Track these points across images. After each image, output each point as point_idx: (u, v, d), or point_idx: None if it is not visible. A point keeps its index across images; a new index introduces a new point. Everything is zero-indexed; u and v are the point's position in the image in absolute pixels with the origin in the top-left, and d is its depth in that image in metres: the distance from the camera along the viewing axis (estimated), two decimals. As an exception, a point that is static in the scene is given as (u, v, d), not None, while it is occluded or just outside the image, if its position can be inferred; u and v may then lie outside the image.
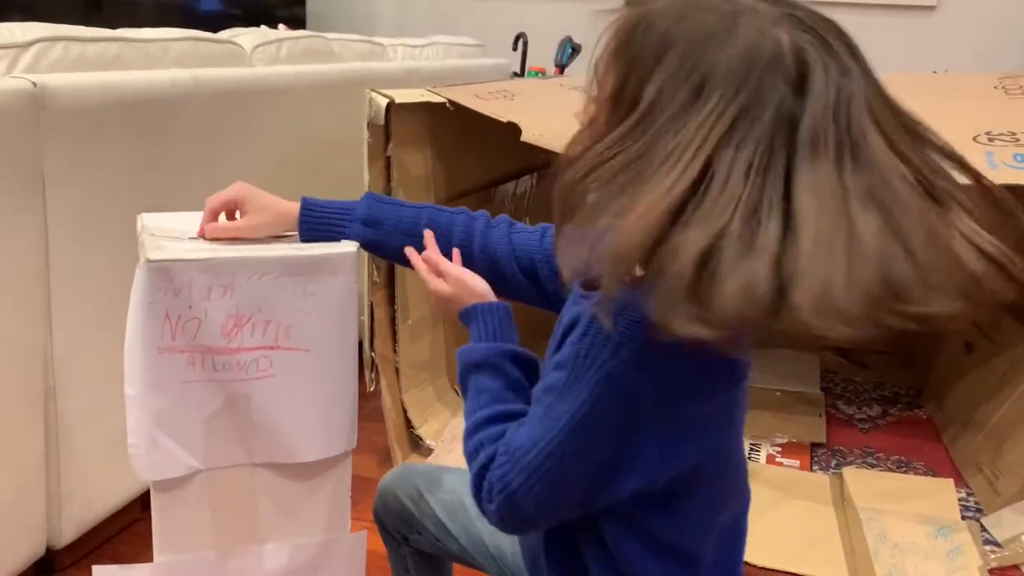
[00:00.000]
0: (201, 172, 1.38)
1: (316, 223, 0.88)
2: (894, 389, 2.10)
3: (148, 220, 0.91)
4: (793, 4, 0.60)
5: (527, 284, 0.88)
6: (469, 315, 0.80)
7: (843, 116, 0.55)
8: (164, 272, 0.79)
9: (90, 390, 1.23)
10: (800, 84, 0.56)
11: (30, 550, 1.21)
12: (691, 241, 0.53)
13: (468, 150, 1.79)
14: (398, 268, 1.63)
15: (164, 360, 0.82)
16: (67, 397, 1.20)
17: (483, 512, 0.69)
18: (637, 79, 0.59)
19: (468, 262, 0.88)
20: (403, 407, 1.69)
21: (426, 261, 0.85)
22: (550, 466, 0.64)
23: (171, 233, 0.89)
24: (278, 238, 0.90)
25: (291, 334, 0.86)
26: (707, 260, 0.53)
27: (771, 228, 0.53)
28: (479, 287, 0.82)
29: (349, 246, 0.88)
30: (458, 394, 1.88)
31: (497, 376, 0.75)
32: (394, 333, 1.66)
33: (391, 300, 1.64)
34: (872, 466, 1.71)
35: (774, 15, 0.58)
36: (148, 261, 0.79)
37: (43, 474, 1.20)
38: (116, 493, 1.33)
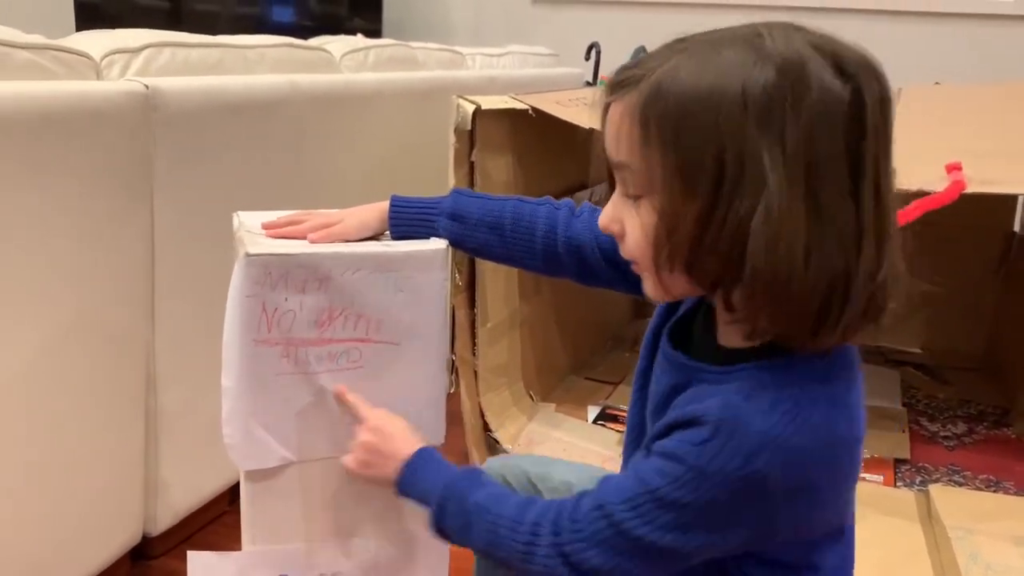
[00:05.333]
0: (295, 173, 1.42)
1: (405, 220, 0.90)
2: (979, 407, 2.02)
3: (244, 217, 0.95)
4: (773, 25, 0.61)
5: (610, 270, 0.88)
6: (411, 469, 0.79)
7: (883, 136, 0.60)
8: (263, 266, 0.82)
9: (189, 383, 1.28)
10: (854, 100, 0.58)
11: (127, 536, 1.26)
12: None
13: (548, 156, 1.80)
14: (479, 271, 1.66)
15: (260, 352, 0.85)
16: (167, 390, 1.25)
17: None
18: (714, 147, 0.58)
19: (553, 252, 0.89)
20: (480, 410, 1.70)
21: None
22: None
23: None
24: (373, 238, 0.92)
25: (381, 328, 0.88)
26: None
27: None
28: (400, 438, 0.82)
29: (439, 243, 0.89)
30: (533, 399, 1.89)
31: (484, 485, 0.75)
32: (473, 336, 1.68)
33: (472, 303, 1.66)
34: (959, 484, 1.66)
35: (788, 35, 0.59)
36: (248, 255, 0.82)
37: (142, 463, 1.25)
38: (208, 484, 1.37)
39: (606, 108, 0.64)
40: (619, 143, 0.63)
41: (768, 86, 0.56)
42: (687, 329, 0.73)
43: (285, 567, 0.92)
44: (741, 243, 0.57)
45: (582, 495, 0.68)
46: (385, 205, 0.90)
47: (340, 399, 0.88)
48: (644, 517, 0.63)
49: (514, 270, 1.80)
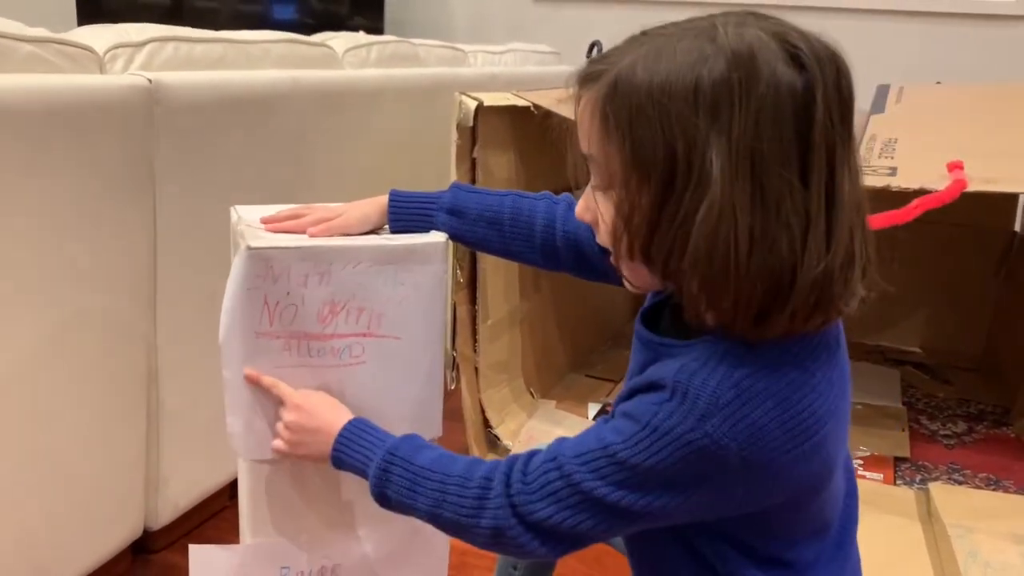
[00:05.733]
0: (298, 169, 1.43)
1: (404, 213, 0.91)
2: (979, 406, 2.03)
3: (243, 211, 0.94)
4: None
5: (607, 263, 0.88)
6: (341, 441, 0.78)
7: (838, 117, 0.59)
8: (264, 259, 0.82)
9: (189, 378, 1.28)
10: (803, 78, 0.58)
11: (128, 530, 1.26)
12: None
13: (549, 154, 1.80)
14: (480, 268, 1.66)
15: (261, 345, 0.85)
16: (168, 384, 1.25)
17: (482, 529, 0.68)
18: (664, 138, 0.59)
19: (552, 246, 0.89)
20: (481, 406, 1.70)
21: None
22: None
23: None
24: (373, 232, 0.92)
25: (383, 322, 0.88)
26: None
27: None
28: (327, 409, 0.82)
29: (439, 236, 0.89)
30: (533, 396, 1.89)
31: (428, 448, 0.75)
32: (474, 333, 1.68)
33: (472, 300, 1.66)
34: (959, 483, 1.66)
35: (737, 20, 0.60)
36: (249, 248, 0.82)
37: (143, 458, 1.25)
38: (208, 480, 1.37)
39: (577, 100, 0.66)
40: (584, 136, 0.64)
41: (717, 79, 0.57)
42: (660, 311, 0.74)
43: (285, 560, 0.92)
44: (686, 236, 0.59)
45: (534, 451, 0.68)
46: (385, 199, 0.91)
47: (255, 383, 0.85)
48: (597, 473, 0.63)
49: (514, 267, 1.80)
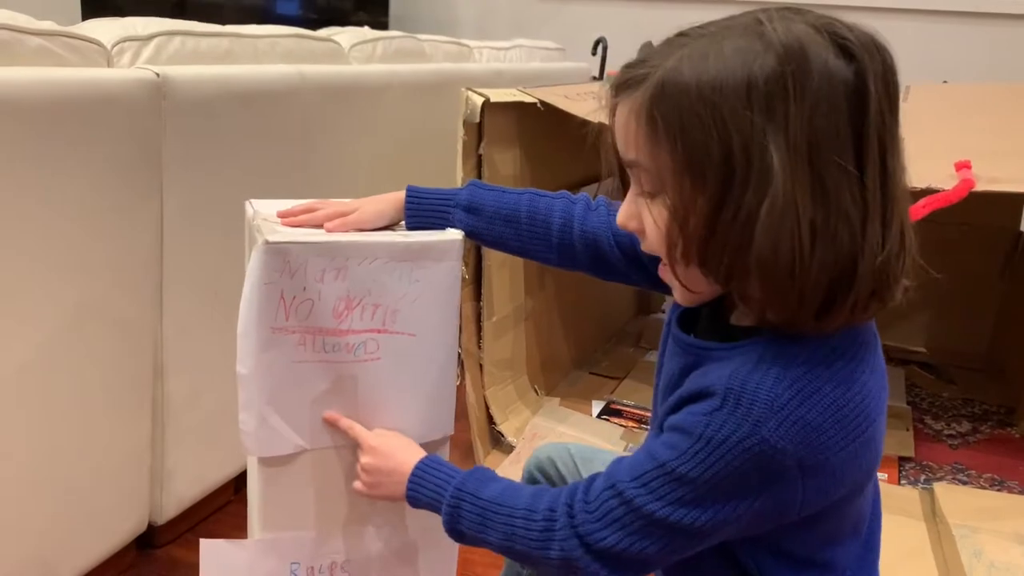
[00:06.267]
0: (304, 163, 1.42)
1: (421, 210, 0.90)
2: (984, 406, 2.03)
3: (259, 205, 0.94)
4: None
5: (626, 263, 0.88)
6: (415, 480, 0.79)
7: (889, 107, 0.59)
8: (282, 254, 0.82)
9: (195, 372, 1.28)
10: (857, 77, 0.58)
11: (133, 524, 1.26)
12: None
13: (555, 150, 1.80)
14: (485, 265, 1.65)
15: (277, 340, 0.85)
16: (173, 378, 1.24)
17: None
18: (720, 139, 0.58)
19: (569, 246, 0.89)
20: (486, 403, 1.70)
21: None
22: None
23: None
24: (388, 228, 0.91)
25: (398, 318, 0.88)
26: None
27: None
28: (401, 450, 0.83)
29: (455, 233, 0.89)
30: (538, 393, 1.89)
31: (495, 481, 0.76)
32: (479, 329, 1.67)
33: (477, 296, 1.65)
34: (963, 483, 1.66)
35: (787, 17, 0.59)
36: (267, 243, 0.81)
37: (148, 452, 1.24)
38: (213, 474, 1.37)
39: (613, 108, 0.65)
40: (628, 142, 0.63)
41: (770, 74, 0.56)
42: (696, 313, 0.73)
43: (296, 555, 0.92)
44: (750, 234, 0.58)
45: (594, 476, 0.68)
46: (401, 195, 0.90)
47: (334, 424, 0.89)
48: (655, 493, 0.63)
49: (519, 265, 1.80)
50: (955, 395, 2.08)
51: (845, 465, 0.62)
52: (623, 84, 0.63)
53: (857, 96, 0.57)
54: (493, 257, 1.67)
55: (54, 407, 1.08)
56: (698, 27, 0.62)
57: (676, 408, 0.64)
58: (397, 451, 0.83)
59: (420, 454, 0.82)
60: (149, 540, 1.32)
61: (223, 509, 1.43)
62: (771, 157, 0.56)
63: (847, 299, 0.59)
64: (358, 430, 0.87)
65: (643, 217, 0.65)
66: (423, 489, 0.78)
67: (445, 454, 0.96)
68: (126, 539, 1.25)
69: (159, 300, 1.20)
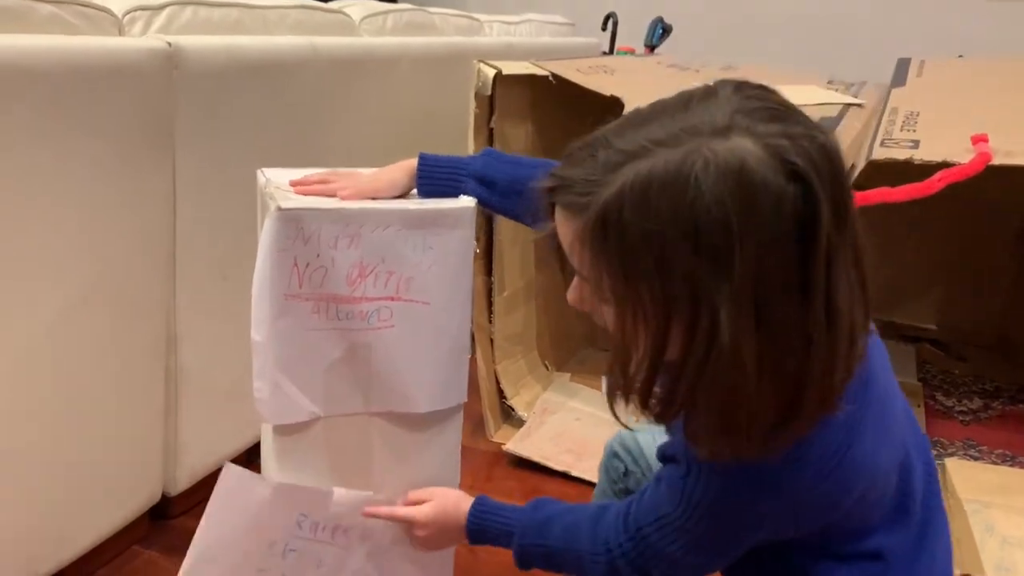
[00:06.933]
0: (315, 134, 1.41)
1: (433, 178, 0.90)
2: (995, 383, 2.02)
3: (271, 174, 0.94)
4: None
5: None
6: (474, 531, 0.86)
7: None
8: (295, 220, 0.82)
9: (208, 343, 1.28)
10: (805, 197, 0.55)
11: (147, 496, 1.26)
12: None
13: (567, 125, 1.79)
14: (496, 240, 1.65)
15: (290, 307, 0.85)
16: (186, 349, 1.25)
17: None
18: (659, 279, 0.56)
19: None
20: (496, 378, 1.70)
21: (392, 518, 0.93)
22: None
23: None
24: (402, 197, 0.91)
25: (411, 286, 0.88)
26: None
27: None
28: (449, 507, 0.89)
29: (468, 201, 0.89)
30: (548, 368, 1.89)
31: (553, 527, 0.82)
32: (490, 304, 1.67)
33: (488, 271, 1.65)
34: (975, 459, 1.66)
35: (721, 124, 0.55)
36: (280, 209, 0.81)
37: (162, 423, 1.25)
38: (226, 446, 1.37)
39: (551, 208, 0.62)
40: (573, 258, 0.61)
41: (714, 220, 0.53)
42: None
43: (307, 509, 0.92)
44: (694, 375, 0.57)
45: (630, 505, 0.75)
46: (414, 163, 0.90)
47: (372, 516, 0.93)
48: (668, 538, 0.70)
49: (531, 241, 1.79)
50: (966, 372, 2.08)
51: (824, 497, 0.65)
52: (566, 203, 0.60)
53: (805, 225, 0.54)
54: (504, 232, 1.67)
55: (67, 378, 1.08)
56: (637, 126, 0.58)
57: (664, 460, 0.72)
58: (445, 513, 0.89)
59: (463, 506, 0.87)
60: (163, 511, 1.32)
61: (235, 481, 1.43)
62: (717, 305, 0.54)
63: (792, 425, 0.59)
64: (399, 511, 0.92)
65: (593, 307, 0.64)
66: (484, 538, 0.86)
67: (459, 422, 0.96)
68: (140, 510, 1.26)
69: (172, 272, 1.20)
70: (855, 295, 0.58)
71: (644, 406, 0.61)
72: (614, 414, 0.64)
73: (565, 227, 0.61)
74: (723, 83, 0.59)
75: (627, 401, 0.61)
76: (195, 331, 1.25)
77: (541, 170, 0.88)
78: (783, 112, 0.57)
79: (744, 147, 0.54)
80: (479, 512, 0.86)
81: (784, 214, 0.54)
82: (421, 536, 0.91)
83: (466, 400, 0.95)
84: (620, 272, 0.57)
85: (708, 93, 0.58)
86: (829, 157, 0.56)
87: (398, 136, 1.65)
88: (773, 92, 0.58)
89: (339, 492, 0.93)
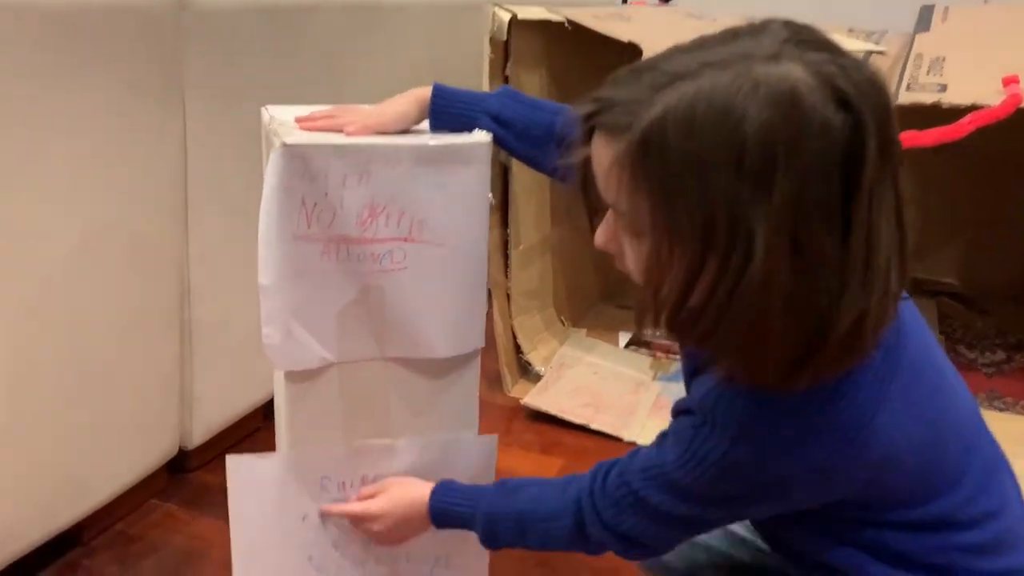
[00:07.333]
0: (326, 80, 1.39)
1: (446, 112, 0.87)
2: (1018, 336, 1.99)
3: (275, 111, 0.91)
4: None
5: None
6: (437, 513, 0.84)
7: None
8: (301, 157, 0.79)
9: (222, 296, 1.26)
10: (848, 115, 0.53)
11: (164, 449, 1.26)
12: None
13: (582, 73, 1.75)
14: (511, 193, 1.62)
15: (299, 249, 0.82)
16: (200, 302, 1.23)
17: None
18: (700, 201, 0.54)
19: None
20: (513, 333, 1.68)
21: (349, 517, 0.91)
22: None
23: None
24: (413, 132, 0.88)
25: (424, 227, 0.85)
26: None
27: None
28: (405, 496, 0.87)
29: (483, 136, 0.86)
30: (564, 323, 1.87)
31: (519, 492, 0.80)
32: (506, 259, 1.65)
33: (504, 224, 1.63)
34: (1000, 410, 1.63)
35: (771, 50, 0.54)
36: (285, 145, 0.78)
37: (178, 375, 1.24)
38: (242, 400, 1.37)
39: (587, 135, 0.60)
40: (609, 187, 0.59)
41: (761, 144, 0.52)
42: None
43: (325, 470, 0.91)
44: (724, 306, 0.55)
45: (612, 464, 0.73)
46: (426, 93, 0.86)
47: (327, 515, 0.92)
48: (657, 488, 0.68)
49: (547, 194, 1.77)
50: (989, 325, 2.04)
51: (830, 469, 0.62)
52: (604, 125, 0.58)
53: (852, 156, 0.53)
54: (520, 185, 1.64)
55: (81, 328, 1.07)
56: (683, 52, 0.57)
57: (677, 415, 0.69)
58: (399, 504, 0.87)
59: (424, 490, 0.85)
60: (180, 465, 1.32)
61: (253, 436, 1.43)
62: (755, 233, 0.53)
63: (813, 365, 0.57)
64: (350, 507, 0.90)
65: (623, 246, 0.62)
66: (448, 520, 0.84)
67: (476, 369, 0.94)
68: (157, 463, 1.26)
69: (184, 221, 1.18)
70: (894, 241, 0.56)
71: (671, 327, 0.59)
72: (641, 335, 0.64)
73: (604, 152, 0.58)
74: (770, 19, 0.57)
75: (656, 323, 0.59)
76: (208, 282, 1.24)
77: (560, 116, 0.86)
78: (832, 45, 0.56)
79: (794, 73, 0.52)
80: (443, 493, 0.84)
81: (831, 143, 0.52)
82: (377, 530, 0.88)
83: (483, 345, 0.93)
84: (660, 195, 0.55)
85: (756, 27, 0.57)
86: (878, 90, 0.54)
87: (410, 82, 1.60)
88: (819, 30, 0.57)
89: (356, 444, 0.91)
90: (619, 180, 0.57)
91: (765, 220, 0.52)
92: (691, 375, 0.72)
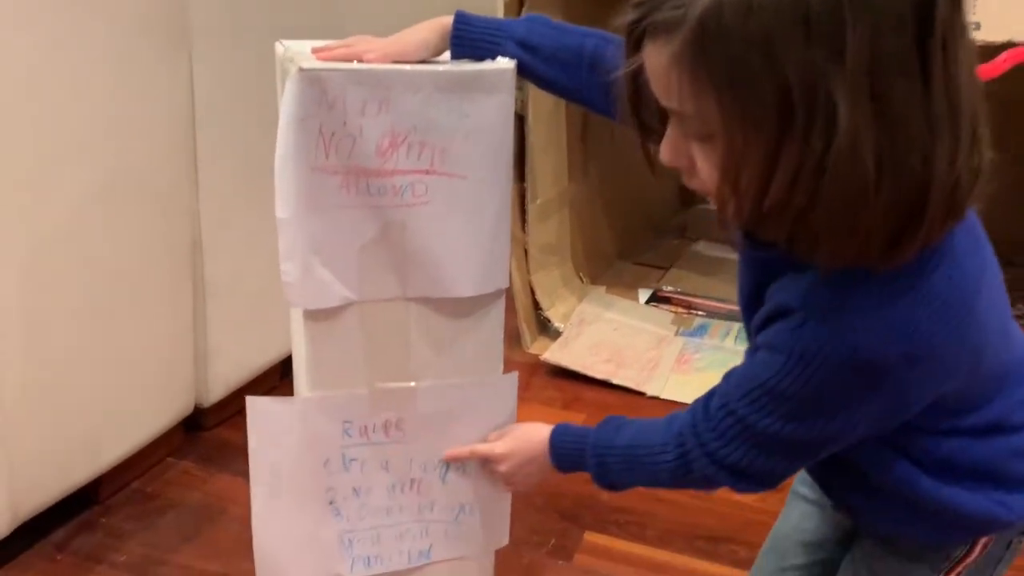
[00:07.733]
0: (341, 19, 1.35)
1: (469, 40, 0.83)
2: (1047, 288, 1.95)
3: (291, 44, 0.87)
4: None
5: None
6: (556, 453, 0.81)
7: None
8: (318, 82, 0.76)
9: (234, 251, 1.24)
10: None
11: (180, 406, 1.24)
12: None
13: (600, 19, 1.71)
14: (528, 146, 1.58)
15: (317, 180, 0.79)
16: (213, 257, 1.21)
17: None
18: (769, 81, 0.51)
19: None
20: (531, 289, 1.65)
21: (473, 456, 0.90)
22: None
23: None
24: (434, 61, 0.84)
25: (447, 158, 0.82)
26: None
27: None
28: (529, 435, 0.85)
29: (507, 63, 0.82)
30: (583, 280, 1.84)
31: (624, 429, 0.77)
32: (523, 213, 1.62)
33: (521, 177, 1.59)
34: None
35: None
36: (301, 70, 0.75)
37: (191, 331, 1.22)
38: (259, 357, 1.35)
39: (638, 42, 0.56)
40: (669, 92, 0.56)
41: (824, 3, 0.49)
42: None
43: (347, 413, 0.88)
44: (812, 185, 0.52)
45: (711, 394, 0.69)
46: (447, 22, 0.83)
47: (455, 459, 0.91)
48: (764, 410, 0.63)
49: (563, 149, 1.73)
50: (1016, 277, 1.99)
51: (947, 350, 0.59)
52: (654, 25, 0.54)
53: (920, 4, 0.50)
54: (537, 138, 1.60)
55: (92, 281, 1.05)
56: None
57: (764, 325, 0.63)
58: (523, 442, 0.85)
59: (544, 431, 0.82)
60: (197, 423, 1.30)
61: (271, 393, 1.40)
62: (835, 98, 0.50)
63: (919, 230, 0.54)
64: (480, 449, 0.89)
65: (694, 156, 0.58)
66: (566, 460, 0.81)
67: (501, 310, 0.91)
68: (174, 420, 1.24)
69: (194, 175, 1.15)
70: (975, 88, 0.53)
71: (756, 217, 0.56)
72: (723, 231, 0.61)
73: (658, 56, 0.55)
74: None
75: (740, 213, 0.56)
76: (219, 235, 1.22)
77: (592, 40, 0.82)
78: None
79: None
80: (558, 434, 0.82)
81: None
82: (503, 471, 0.87)
83: (508, 285, 0.90)
84: (727, 85, 0.52)
85: None
86: None
87: (423, 20, 1.57)
88: None
89: (378, 386, 0.89)
90: (680, 81, 0.54)
91: (843, 82, 0.49)
92: (751, 302, 0.67)
